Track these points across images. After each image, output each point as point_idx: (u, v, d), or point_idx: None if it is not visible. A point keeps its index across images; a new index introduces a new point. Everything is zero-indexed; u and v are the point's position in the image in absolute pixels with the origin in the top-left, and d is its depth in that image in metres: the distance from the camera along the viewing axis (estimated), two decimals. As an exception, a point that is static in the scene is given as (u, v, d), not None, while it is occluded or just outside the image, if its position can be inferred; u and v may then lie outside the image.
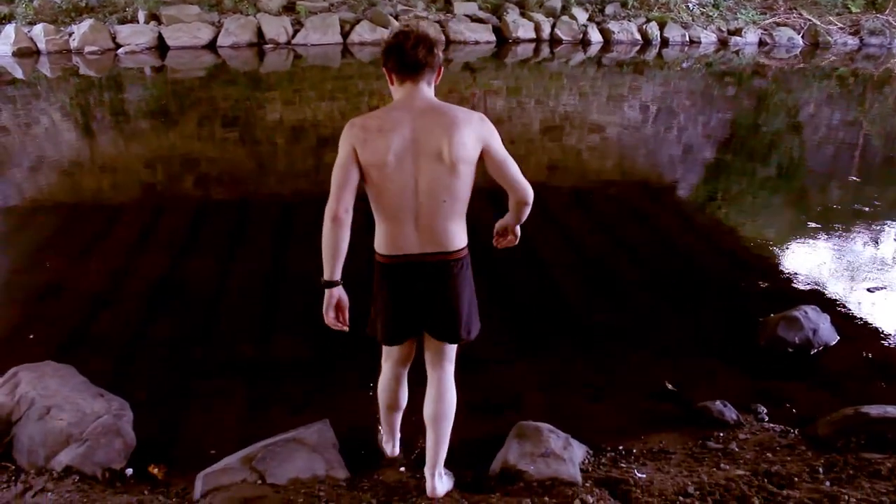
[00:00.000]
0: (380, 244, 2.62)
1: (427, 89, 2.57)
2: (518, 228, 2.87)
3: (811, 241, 5.95)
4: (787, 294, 4.92)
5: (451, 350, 2.85)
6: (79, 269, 5.26)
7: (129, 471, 3.05)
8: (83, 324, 4.50)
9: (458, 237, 2.63)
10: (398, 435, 3.22)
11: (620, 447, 3.26)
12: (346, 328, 2.65)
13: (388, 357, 2.95)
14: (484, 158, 2.56)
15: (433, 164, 2.47)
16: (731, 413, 3.46)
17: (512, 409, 3.59)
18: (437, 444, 2.84)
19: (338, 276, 2.58)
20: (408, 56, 2.49)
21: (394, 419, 3.13)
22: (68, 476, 2.94)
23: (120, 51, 15.16)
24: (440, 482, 2.87)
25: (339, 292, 2.62)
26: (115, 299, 4.81)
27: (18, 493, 2.83)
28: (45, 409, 3.16)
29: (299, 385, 3.81)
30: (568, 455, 3.01)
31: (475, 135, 2.51)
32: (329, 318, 2.64)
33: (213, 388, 3.79)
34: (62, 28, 15.37)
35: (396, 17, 17.04)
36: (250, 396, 3.72)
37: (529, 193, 2.66)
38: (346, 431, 3.32)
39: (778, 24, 18.10)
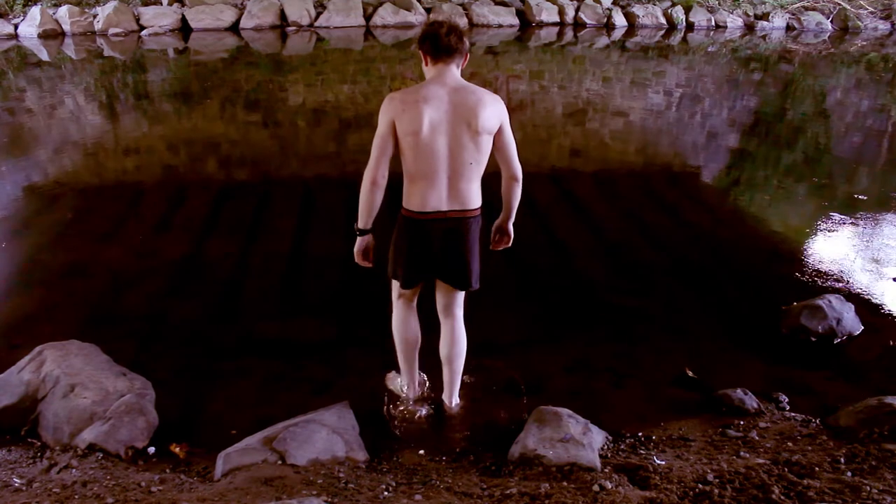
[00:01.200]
0: (410, 202, 3.03)
1: (456, 70, 3.01)
2: (511, 228, 3.30)
3: (836, 228, 5.87)
4: (811, 282, 4.88)
5: (461, 297, 3.32)
6: (102, 249, 5.31)
7: (152, 449, 3.09)
8: (107, 303, 4.55)
9: (477, 197, 3.09)
10: (417, 375, 3.52)
11: (640, 433, 3.25)
12: (371, 265, 3.18)
13: (400, 295, 3.36)
14: (496, 134, 3.01)
15: (464, 132, 2.92)
16: (751, 401, 3.43)
17: (532, 393, 3.60)
18: (452, 378, 3.42)
19: (370, 226, 3.08)
20: (442, 41, 2.93)
21: (412, 356, 3.44)
22: (92, 453, 2.98)
23: (143, 32, 15.24)
24: (456, 399, 3.46)
25: (369, 239, 3.12)
26: (138, 279, 4.85)
27: (44, 469, 2.88)
28: (70, 387, 3.21)
29: (320, 366, 3.84)
30: (587, 440, 3.01)
31: (496, 113, 2.97)
32: (359, 258, 3.15)
33: (235, 368, 3.83)
34: (87, 10, 15.47)
35: (419, 0, 16.96)
36: (271, 377, 3.75)
37: (520, 171, 3.12)
38: (366, 413, 3.35)
39: (806, 9, 17.82)
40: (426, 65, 3.03)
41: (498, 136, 3.01)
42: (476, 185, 3.06)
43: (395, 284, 3.33)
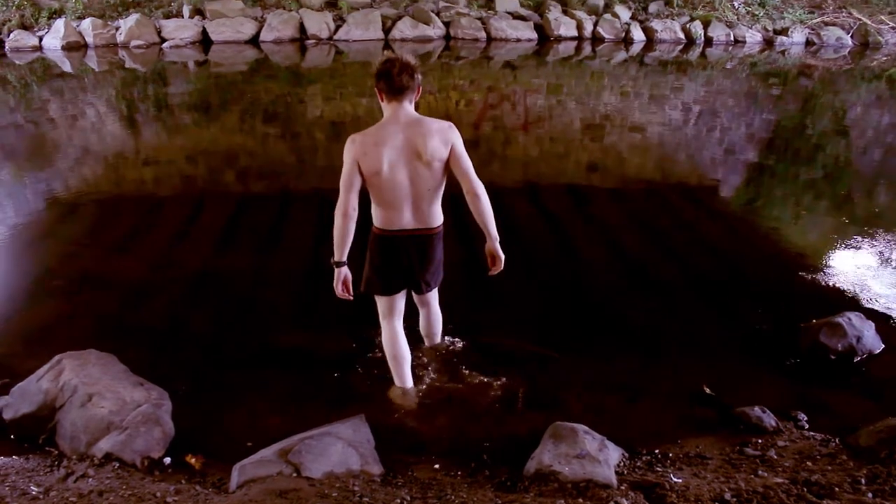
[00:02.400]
0: (379, 222, 3.41)
1: (409, 105, 3.31)
2: (498, 250, 3.45)
3: (856, 246, 5.82)
4: (830, 300, 4.83)
5: (433, 293, 3.77)
6: (121, 259, 5.36)
7: (168, 460, 3.10)
8: (125, 313, 4.58)
9: (439, 217, 3.44)
10: (411, 386, 3.72)
11: (656, 450, 3.22)
12: (350, 297, 3.45)
13: (385, 314, 3.65)
14: (449, 156, 3.28)
15: (418, 163, 3.25)
16: (769, 419, 3.40)
17: (548, 408, 3.58)
18: (432, 346, 4.01)
19: (345, 258, 3.35)
20: (395, 82, 3.22)
21: (403, 370, 3.69)
22: (108, 462, 2.99)
23: (165, 45, 15.41)
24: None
25: (345, 270, 3.38)
26: (157, 290, 4.89)
27: (61, 478, 2.89)
28: (88, 396, 3.23)
29: (336, 379, 3.84)
30: (603, 457, 2.99)
31: (443, 140, 3.26)
32: (338, 290, 3.41)
33: (251, 380, 3.84)
34: (109, 22, 15.67)
35: (438, 14, 17.05)
36: (287, 389, 3.75)
37: (477, 184, 3.30)
38: (382, 427, 3.34)
39: (826, 24, 17.73)
40: (381, 101, 3.32)
41: (451, 157, 3.28)
42: (437, 207, 3.41)
43: (380, 303, 3.64)
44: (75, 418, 3.16)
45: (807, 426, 3.43)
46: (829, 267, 5.40)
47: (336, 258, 3.34)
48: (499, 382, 3.79)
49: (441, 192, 3.39)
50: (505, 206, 6.57)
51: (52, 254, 5.45)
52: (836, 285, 5.06)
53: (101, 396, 3.25)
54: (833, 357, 4.06)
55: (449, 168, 3.31)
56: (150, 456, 3.06)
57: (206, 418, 3.50)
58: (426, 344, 4.01)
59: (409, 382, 3.72)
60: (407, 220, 3.36)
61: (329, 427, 3.16)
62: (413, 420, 3.48)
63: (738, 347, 4.27)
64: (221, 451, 3.21)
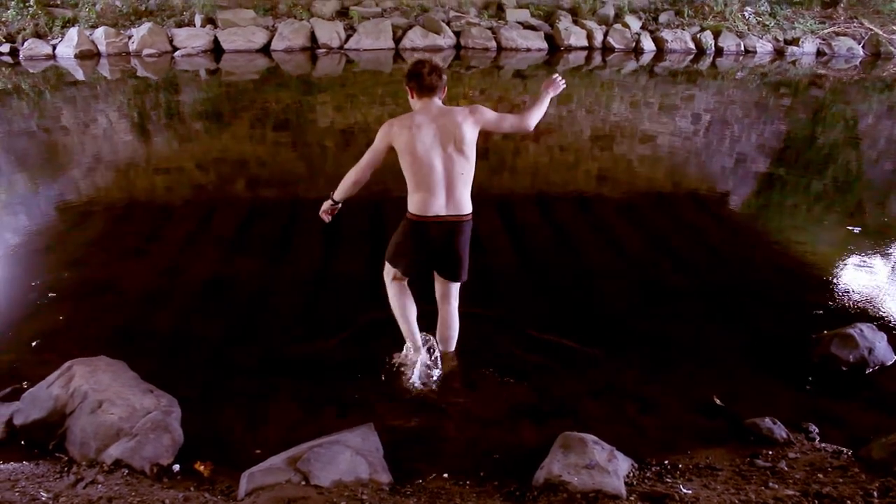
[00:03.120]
0: (414, 207, 3.64)
1: (438, 101, 3.66)
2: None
3: (867, 256, 5.79)
4: (842, 311, 4.80)
5: (455, 288, 3.91)
6: (132, 266, 5.38)
7: (177, 467, 3.11)
8: (135, 320, 4.59)
9: (469, 204, 3.68)
10: (420, 339, 3.97)
11: (666, 461, 3.21)
12: (328, 221, 3.89)
13: (394, 278, 3.89)
14: (486, 128, 3.71)
15: (452, 149, 3.56)
16: (780, 431, 3.38)
17: (557, 418, 3.57)
18: (447, 351, 4.06)
19: (341, 200, 3.80)
20: (425, 80, 3.60)
21: (411, 326, 3.94)
22: (118, 469, 3.00)
23: (176, 53, 15.52)
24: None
25: (337, 207, 3.83)
26: (166, 297, 4.90)
27: (70, 484, 2.90)
28: (98, 402, 3.24)
29: (345, 387, 3.84)
30: (612, 467, 2.97)
31: (471, 123, 3.61)
32: (323, 214, 3.85)
33: (260, 387, 3.84)
34: (122, 31, 15.79)
35: (448, 23, 17.11)
36: (296, 397, 3.75)
37: (525, 124, 3.85)
38: (390, 436, 3.34)
39: (837, 34, 17.70)
40: (412, 98, 3.70)
41: (487, 126, 3.71)
42: (467, 193, 3.66)
43: (388, 269, 3.89)
44: (85, 424, 3.17)
45: (818, 438, 3.41)
46: (841, 278, 5.37)
47: (336, 197, 3.79)
48: (508, 392, 3.78)
49: (471, 180, 3.66)
50: (514, 215, 6.57)
51: (64, 260, 5.48)
52: (848, 296, 5.04)
53: (111, 403, 3.26)
54: (844, 368, 4.04)
55: (478, 154, 3.64)
56: (159, 463, 3.07)
57: (215, 425, 3.51)
58: (440, 349, 4.05)
59: (418, 336, 3.97)
60: (440, 206, 3.60)
61: (338, 435, 3.16)
62: (422, 429, 3.47)
63: (748, 358, 4.25)
64: (230, 458, 3.21)
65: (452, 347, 4.07)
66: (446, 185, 3.59)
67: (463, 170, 3.59)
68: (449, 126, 3.55)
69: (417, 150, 3.53)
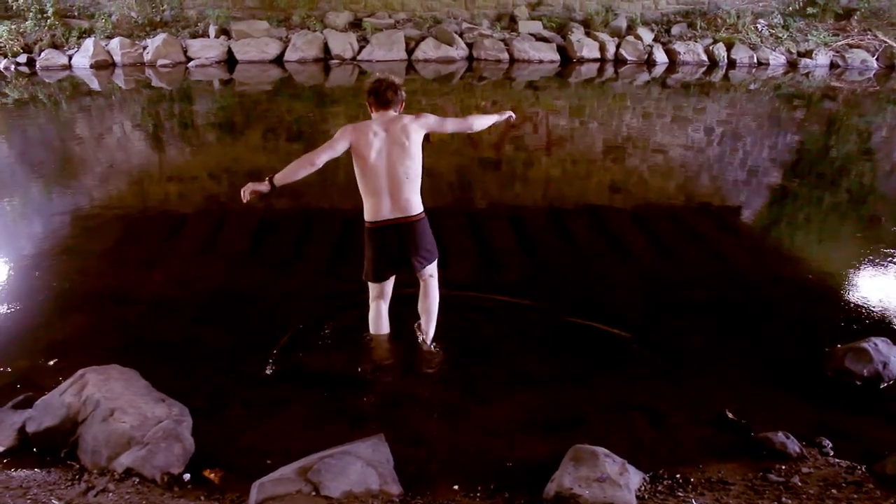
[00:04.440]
0: (367, 214, 4.01)
1: (393, 113, 4.03)
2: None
3: (882, 270, 5.74)
4: (855, 324, 4.76)
5: (430, 268, 4.16)
6: (144, 275, 5.41)
7: (187, 476, 3.11)
8: (147, 329, 4.61)
9: (417, 205, 4.01)
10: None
11: (678, 475, 3.18)
12: (247, 200, 3.85)
13: (374, 297, 4.27)
14: (430, 129, 4.06)
15: (398, 151, 3.91)
16: (793, 445, 3.35)
17: (568, 430, 3.55)
18: (428, 326, 4.23)
19: (277, 185, 3.84)
20: (381, 96, 4.00)
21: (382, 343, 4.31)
22: (128, 477, 3.00)
23: (190, 64, 15.63)
24: (431, 342, 4.23)
25: (268, 189, 3.84)
26: (178, 306, 4.92)
27: (81, 492, 2.91)
28: (110, 411, 3.25)
29: (356, 398, 3.84)
30: (624, 481, 2.96)
31: (416, 126, 3.97)
32: (247, 190, 3.82)
33: (271, 397, 3.84)
34: (137, 42, 15.93)
35: (461, 35, 17.15)
36: (307, 407, 3.76)
37: (467, 125, 4.27)
38: (401, 447, 3.33)
39: (851, 46, 17.61)
40: (371, 111, 4.06)
41: (433, 129, 4.08)
42: (415, 196, 3.99)
43: (372, 288, 4.24)
44: (97, 433, 3.18)
45: (832, 453, 3.37)
46: (855, 291, 5.33)
47: (275, 180, 3.83)
48: (519, 403, 3.76)
49: (418, 182, 4.00)
50: (526, 227, 6.57)
51: (77, 269, 5.51)
52: (862, 310, 5.00)
53: (123, 411, 3.27)
54: (859, 383, 4.01)
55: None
56: (169, 472, 3.07)
57: (226, 435, 3.51)
58: (423, 320, 4.24)
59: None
60: (387, 209, 3.95)
61: (348, 446, 3.15)
62: (432, 440, 3.46)
63: (761, 371, 4.22)
64: (241, 468, 3.21)
65: (433, 326, 4.23)
66: (391, 189, 3.93)
67: (408, 171, 3.93)
68: (396, 129, 3.93)
69: (369, 155, 3.90)
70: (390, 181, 3.92)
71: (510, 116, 4.52)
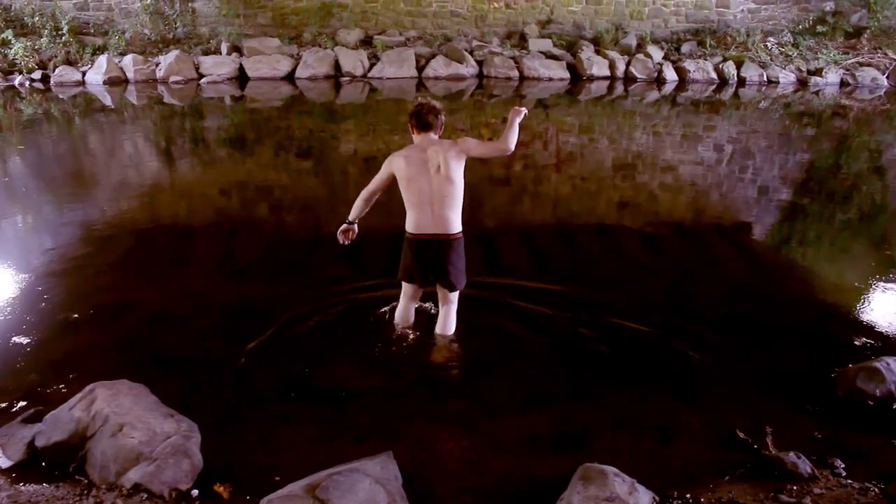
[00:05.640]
0: (409, 225, 4.29)
1: (434, 135, 4.33)
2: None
3: (894, 288, 5.71)
4: (868, 344, 4.73)
5: (453, 295, 4.48)
6: (154, 290, 5.42)
7: (195, 492, 3.10)
8: (156, 344, 4.62)
9: (456, 224, 4.27)
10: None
11: (688, 495, 3.16)
12: (346, 243, 4.60)
13: (405, 296, 4.60)
14: (470, 154, 4.28)
15: (437, 174, 4.19)
16: (805, 465, 3.32)
17: (577, 448, 3.54)
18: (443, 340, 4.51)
19: (354, 219, 4.52)
20: (423, 119, 4.30)
21: (407, 324, 4.66)
22: (137, 493, 3.00)
23: (202, 80, 15.73)
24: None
25: (353, 227, 4.56)
26: (188, 321, 4.93)
27: (89, 508, 2.91)
28: (119, 426, 3.25)
29: (365, 415, 3.83)
30: (633, 500, 2.93)
31: (455, 153, 4.22)
32: (340, 237, 4.57)
33: (280, 413, 3.84)
34: (150, 58, 16.05)
35: (471, 53, 17.22)
36: (316, 424, 3.75)
37: (504, 146, 4.25)
38: (410, 465, 3.32)
39: (861, 65, 17.60)
40: (412, 132, 4.37)
41: (471, 154, 4.28)
42: (454, 215, 4.24)
43: (404, 288, 4.56)
44: (105, 448, 3.18)
45: (844, 474, 3.34)
46: (867, 310, 5.30)
47: (350, 218, 4.50)
48: (528, 421, 3.75)
49: (459, 203, 4.24)
50: (535, 244, 6.57)
51: (87, 283, 5.53)
52: (874, 329, 4.96)
53: (132, 427, 3.27)
54: (871, 403, 3.97)
55: (464, 177, 4.23)
56: (178, 488, 3.06)
57: (235, 451, 3.50)
58: (437, 340, 4.52)
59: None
60: (428, 224, 4.20)
61: (357, 463, 3.14)
62: (441, 458, 3.45)
63: (772, 391, 4.19)
64: (249, 484, 3.20)
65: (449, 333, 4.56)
66: (432, 206, 4.18)
67: (447, 192, 4.18)
68: (436, 155, 4.19)
69: (409, 174, 4.18)
70: (433, 200, 4.18)
71: (523, 112, 4.40)
